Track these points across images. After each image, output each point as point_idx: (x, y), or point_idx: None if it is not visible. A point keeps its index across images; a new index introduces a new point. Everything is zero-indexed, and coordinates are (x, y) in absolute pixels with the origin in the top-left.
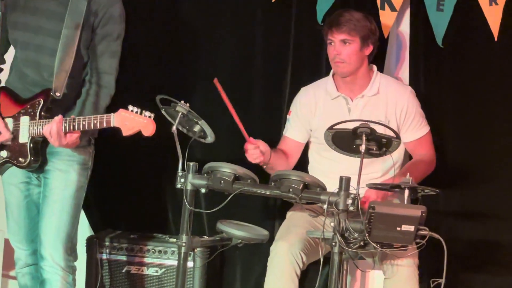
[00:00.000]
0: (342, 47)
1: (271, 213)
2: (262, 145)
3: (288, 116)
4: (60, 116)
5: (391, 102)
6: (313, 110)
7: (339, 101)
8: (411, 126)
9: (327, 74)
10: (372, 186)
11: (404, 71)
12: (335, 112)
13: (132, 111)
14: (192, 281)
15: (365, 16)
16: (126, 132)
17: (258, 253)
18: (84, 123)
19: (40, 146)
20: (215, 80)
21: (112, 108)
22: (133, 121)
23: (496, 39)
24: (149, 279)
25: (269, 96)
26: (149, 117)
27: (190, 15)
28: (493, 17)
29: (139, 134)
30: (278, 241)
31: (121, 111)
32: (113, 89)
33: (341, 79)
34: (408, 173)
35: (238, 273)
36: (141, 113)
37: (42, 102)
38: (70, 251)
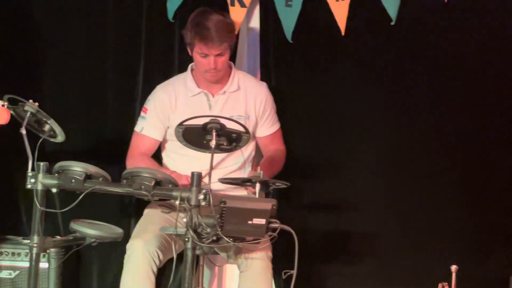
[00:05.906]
0: (218, 59)
1: (127, 211)
2: None
3: (142, 114)
4: None
5: (251, 98)
6: (173, 107)
7: (200, 98)
8: (267, 121)
9: (179, 71)
10: (223, 181)
11: (255, 67)
12: (195, 108)
13: None
14: (48, 282)
15: (225, 17)
16: None
17: (115, 252)
18: None
19: None
20: None
21: None
22: None
23: (343, 33)
24: (2, 282)
25: (122, 94)
26: (2, 105)
27: (40, 12)
28: (340, 12)
29: None
30: (134, 239)
31: None
32: None
33: (201, 75)
34: (259, 168)
35: (95, 272)
36: None
37: None
38: None
